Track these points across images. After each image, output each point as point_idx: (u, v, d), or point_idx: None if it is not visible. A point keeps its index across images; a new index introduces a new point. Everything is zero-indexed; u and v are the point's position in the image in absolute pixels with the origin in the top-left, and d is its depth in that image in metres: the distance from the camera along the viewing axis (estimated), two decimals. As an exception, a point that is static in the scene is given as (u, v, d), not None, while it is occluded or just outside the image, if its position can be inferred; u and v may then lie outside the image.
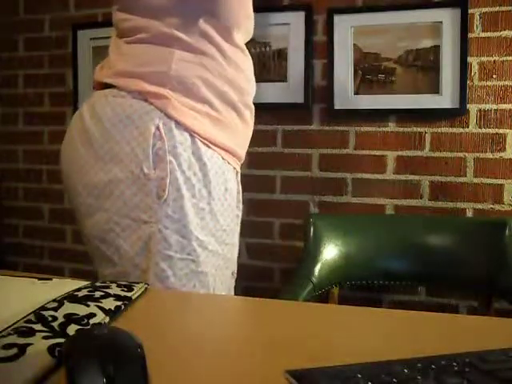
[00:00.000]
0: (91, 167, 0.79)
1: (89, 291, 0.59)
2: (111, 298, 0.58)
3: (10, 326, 0.48)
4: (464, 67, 1.69)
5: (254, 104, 0.94)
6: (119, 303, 0.57)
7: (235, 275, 0.94)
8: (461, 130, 1.74)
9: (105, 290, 0.60)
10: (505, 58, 1.69)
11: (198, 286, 0.81)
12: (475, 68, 1.71)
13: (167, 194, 0.77)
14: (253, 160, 1.86)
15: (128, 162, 0.78)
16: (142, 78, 0.80)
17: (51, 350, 0.44)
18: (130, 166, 0.78)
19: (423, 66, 1.75)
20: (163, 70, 0.80)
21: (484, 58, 1.70)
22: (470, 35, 1.70)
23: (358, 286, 1.68)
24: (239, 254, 0.95)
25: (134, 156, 0.78)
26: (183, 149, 0.79)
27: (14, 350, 0.43)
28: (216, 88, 0.83)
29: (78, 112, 0.87)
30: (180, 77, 0.80)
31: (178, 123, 0.79)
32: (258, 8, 0.95)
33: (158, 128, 0.78)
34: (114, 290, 0.61)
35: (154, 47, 0.81)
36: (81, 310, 0.53)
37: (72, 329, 0.49)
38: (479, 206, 1.73)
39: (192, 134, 0.80)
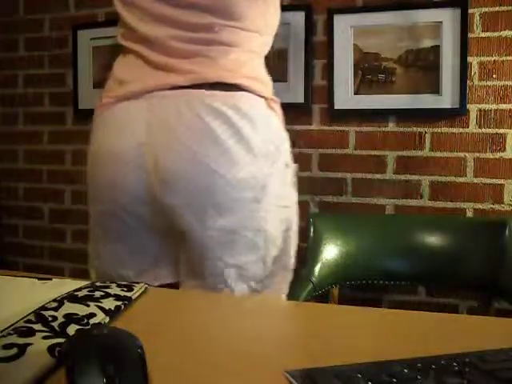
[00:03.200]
0: (246, 164, 0.87)
1: (89, 291, 0.59)
2: (111, 298, 0.58)
3: (9, 326, 0.48)
4: (464, 67, 1.69)
5: None
6: (119, 303, 0.57)
7: None
8: (461, 129, 1.74)
9: (105, 289, 0.60)
10: (505, 58, 1.69)
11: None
12: (475, 68, 1.71)
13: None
14: (253, 160, 1.86)
15: (275, 158, 0.91)
16: (266, 85, 0.96)
17: (51, 350, 0.44)
18: (277, 161, 0.91)
19: (423, 66, 1.75)
20: (267, 80, 0.98)
21: (484, 58, 1.70)
22: (470, 35, 1.70)
23: (358, 286, 1.68)
24: None
25: (279, 153, 0.92)
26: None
27: (14, 350, 0.43)
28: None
29: (211, 110, 0.87)
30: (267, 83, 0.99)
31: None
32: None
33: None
34: (114, 289, 0.61)
35: (260, 59, 0.99)
36: (81, 309, 0.53)
37: (72, 329, 0.49)
38: (479, 205, 1.73)
39: None
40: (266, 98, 0.94)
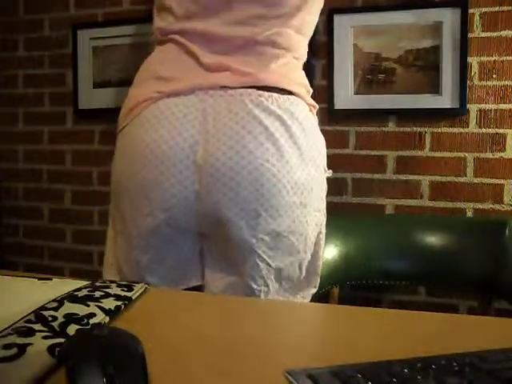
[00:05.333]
0: (298, 168, 0.88)
1: (89, 291, 0.59)
2: (111, 298, 0.58)
3: (9, 326, 0.48)
4: (464, 67, 1.69)
5: None
6: (119, 303, 0.57)
7: None
8: (461, 129, 1.74)
9: (105, 289, 0.60)
10: (505, 58, 1.69)
11: None
12: (475, 68, 1.71)
13: None
14: (253, 160, 1.86)
15: (318, 163, 0.93)
16: (309, 92, 0.99)
17: (51, 350, 0.44)
18: (319, 166, 0.94)
19: (423, 66, 1.75)
20: (309, 86, 1.02)
21: (484, 58, 1.70)
22: (470, 35, 1.70)
23: (358, 286, 1.68)
24: None
25: (322, 158, 0.95)
26: None
27: (14, 350, 0.43)
28: None
29: (266, 112, 0.87)
30: None
31: None
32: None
33: None
34: (114, 289, 0.61)
35: (301, 65, 1.02)
36: (81, 309, 0.53)
37: (72, 329, 0.49)
38: (479, 205, 1.73)
39: None
40: (308, 104, 0.97)
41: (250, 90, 0.87)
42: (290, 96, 0.92)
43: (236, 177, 0.84)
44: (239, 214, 0.85)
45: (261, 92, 0.88)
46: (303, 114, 0.93)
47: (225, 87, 0.87)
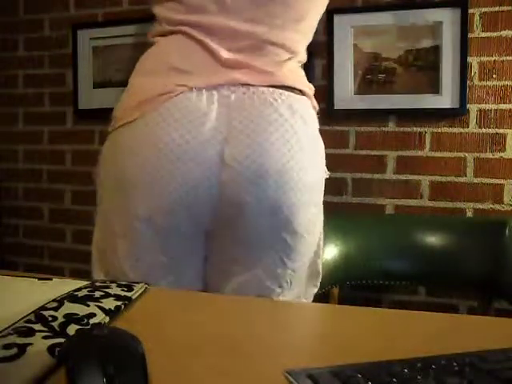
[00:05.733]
0: (309, 166, 0.89)
1: (89, 291, 0.59)
2: (111, 298, 0.58)
3: (9, 326, 0.48)
4: (464, 67, 1.69)
5: None
6: (119, 303, 0.57)
7: None
8: (461, 129, 1.74)
9: (105, 289, 0.60)
10: (505, 58, 1.69)
11: None
12: (475, 68, 1.71)
13: None
14: (253, 160, 1.86)
15: (321, 163, 0.94)
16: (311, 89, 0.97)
17: (51, 350, 0.44)
18: (322, 166, 0.94)
19: (423, 66, 1.75)
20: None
21: (484, 58, 1.70)
22: (470, 35, 1.70)
23: (358, 286, 1.68)
24: None
25: (322, 158, 0.94)
26: None
27: (14, 350, 0.43)
28: None
29: (289, 110, 0.87)
30: None
31: None
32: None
33: None
34: (114, 289, 0.61)
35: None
36: (81, 309, 0.53)
37: (72, 329, 0.49)
38: (479, 205, 1.73)
39: None
40: (313, 106, 0.98)
41: (271, 89, 0.87)
42: (302, 97, 0.93)
43: (265, 174, 0.83)
44: (262, 212, 0.85)
45: (281, 91, 0.88)
46: (314, 115, 0.95)
47: (246, 84, 0.87)
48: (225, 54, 0.87)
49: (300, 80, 0.95)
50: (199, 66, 0.87)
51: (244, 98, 0.86)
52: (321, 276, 0.99)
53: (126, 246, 0.89)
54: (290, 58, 0.93)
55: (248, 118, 0.85)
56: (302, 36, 0.96)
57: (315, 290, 0.99)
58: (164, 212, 0.85)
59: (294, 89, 0.91)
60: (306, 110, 0.92)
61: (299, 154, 0.86)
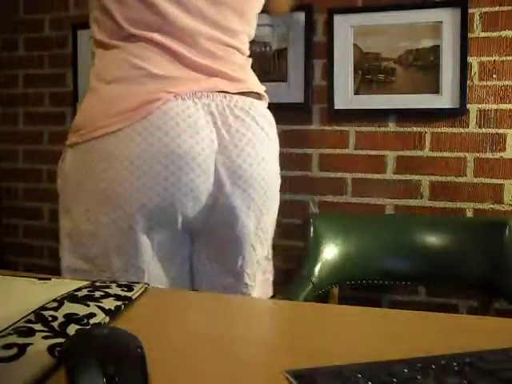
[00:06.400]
0: (276, 165, 0.98)
1: (89, 291, 0.59)
2: (111, 298, 0.58)
3: (10, 326, 0.48)
4: (464, 67, 1.69)
5: None
6: (119, 303, 0.57)
7: None
8: (461, 129, 1.74)
9: (105, 289, 0.60)
10: (505, 58, 1.69)
11: None
12: (475, 68, 1.71)
13: None
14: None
15: (276, 161, 0.98)
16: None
17: (51, 350, 0.44)
18: (277, 165, 0.99)
19: (423, 66, 1.75)
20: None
21: (484, 58, 1.70)
22: (470, 35, 1.70)
23: (358, 286, 1.68)
24: None
25: (277, 157, 0.99)
26: None
27: (14, 350, 0.43)
28: None
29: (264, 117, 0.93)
30: None
31: None
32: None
33: None
34: (114, 289, 0.61)
35: None
36: (81, 309, 0.53)
37: (72, 329, 0.49)
38: (479, 205, 1.73)
39: None
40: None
41: (243, 97, 0.90)
42: (262, 101, 0.97)
43: (254, 183, 0.90)
44: (251, 215, 0.91)
45: (250, 99, 0.92)
46: (269, 115, 0.99)
47: (222, 92, 0.88)
48: (196, 59, 0.87)
49: (258, 83, 0.98)
50: (175, 72, 0.86)
51: (224, 106, 0.88)
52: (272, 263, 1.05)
53: (122, 259, 0.86)
54: (247, 62, 0.97)
55: (233, 127, 0.88)
56: (248, 37, 0.98)
57: (270, 276, 1.05)
58: (162, 222, 0.88)
59: (258, 94, 0.95)
60: (269, 114, 0.97)
61: (274, 160, 0.96)
